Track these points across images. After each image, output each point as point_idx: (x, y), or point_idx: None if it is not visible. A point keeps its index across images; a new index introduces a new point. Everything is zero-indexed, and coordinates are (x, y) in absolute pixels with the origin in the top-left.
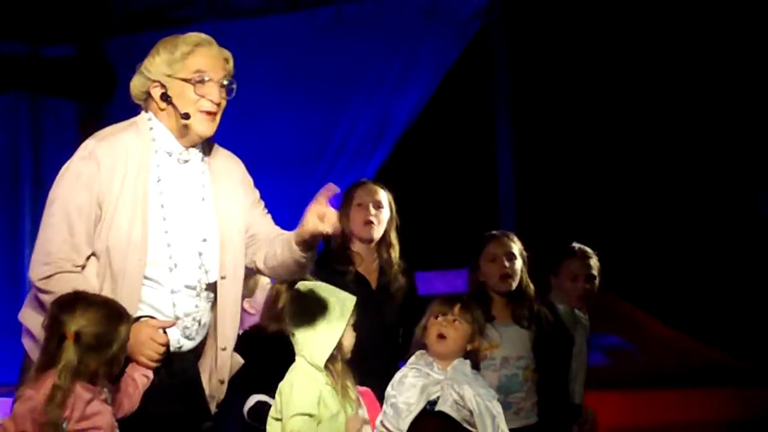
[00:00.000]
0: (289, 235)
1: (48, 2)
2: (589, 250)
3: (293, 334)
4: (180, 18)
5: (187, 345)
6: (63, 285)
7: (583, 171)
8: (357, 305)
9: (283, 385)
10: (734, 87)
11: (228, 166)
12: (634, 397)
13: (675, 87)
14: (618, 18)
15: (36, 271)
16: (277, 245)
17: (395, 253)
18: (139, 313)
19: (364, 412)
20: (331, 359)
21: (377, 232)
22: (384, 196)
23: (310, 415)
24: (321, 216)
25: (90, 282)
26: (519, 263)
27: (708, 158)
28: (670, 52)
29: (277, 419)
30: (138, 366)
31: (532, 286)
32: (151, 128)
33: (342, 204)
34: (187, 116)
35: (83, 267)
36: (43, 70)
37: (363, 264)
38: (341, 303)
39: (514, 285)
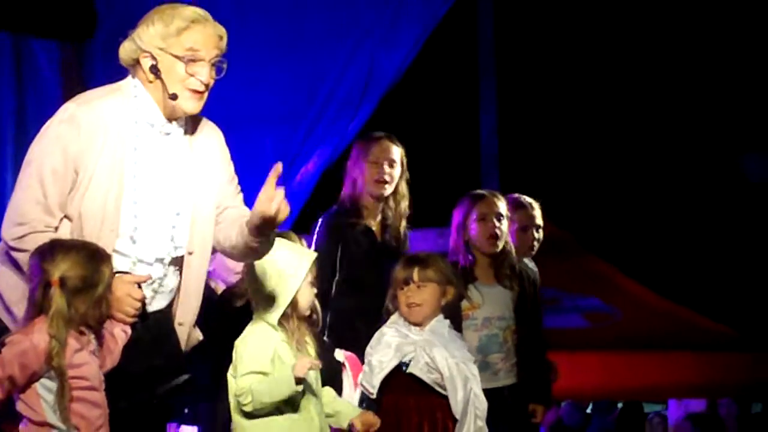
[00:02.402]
0: (245, 220)
1: None
2: (532, 200)
3: (251, 294)
4: None
5: (156, 305)
6: (35, 245)
7: (567, 128)
8: (315, 263)
9: (237, 343)
10: (717, 50)
11: (208, 141)
12: (612, 359)
13: (661, 48)
14: None
15: (9, 231)
16: (235, 229)
17: (405, 203)
18: None
19: (349, 378)
20: (285, 316)
21: (388, 190)
22: (397, 152)
23: (263, 373)
24: (270, 198)
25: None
26: (505, 224)
27: (695, 118)
28: (657, 14)
29: (234, 376)
30: (116, 322)
31: (512, 246)
32: (136, 96)
33: (356, 156)
34: (174, 97)
35: (56, 228)
36: (23, 8)
37: (369, 218)
38: (297, 260)
39: (500, 246)
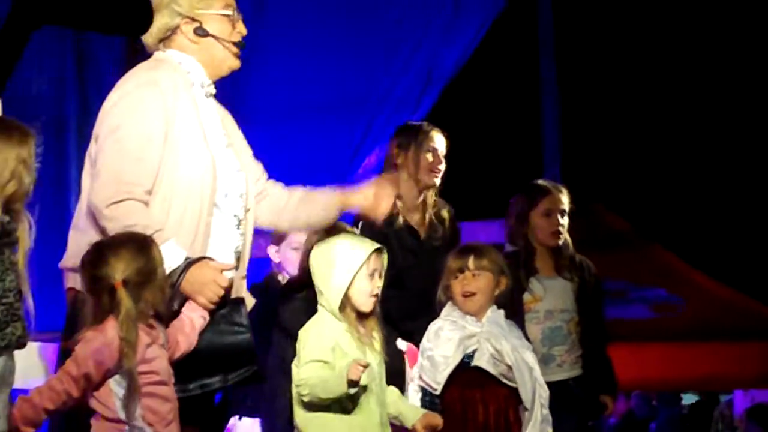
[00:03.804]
0: (329, 200)
1: None
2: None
3: (314, 282)
4: None
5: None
6: (128, 216)
7: (628, 120)
8: (382, 254)
9: (301, 333)
10: None
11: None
12: (678, 350)
13: (722, 37)
14: None
15: (104, 194)
16: (306, 209)
17: (435, 194)
18: (206, 241)
19: (408, 369)
20: (343, 307)
21: (438, 182)
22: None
23: (323, 362)
24: (379, 200)
25: (153, 218)
26: (567, 219)
27: (758, 106)
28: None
29: (297, 366)
30: (196, 306)
31: (569, 239)
32: (180, 62)
33: (407, 143)
34: (240, 45)
35: (150, 193)
36: (83, 5)
37: (408, 212)
38: (356, 251)
39: (562, 240)
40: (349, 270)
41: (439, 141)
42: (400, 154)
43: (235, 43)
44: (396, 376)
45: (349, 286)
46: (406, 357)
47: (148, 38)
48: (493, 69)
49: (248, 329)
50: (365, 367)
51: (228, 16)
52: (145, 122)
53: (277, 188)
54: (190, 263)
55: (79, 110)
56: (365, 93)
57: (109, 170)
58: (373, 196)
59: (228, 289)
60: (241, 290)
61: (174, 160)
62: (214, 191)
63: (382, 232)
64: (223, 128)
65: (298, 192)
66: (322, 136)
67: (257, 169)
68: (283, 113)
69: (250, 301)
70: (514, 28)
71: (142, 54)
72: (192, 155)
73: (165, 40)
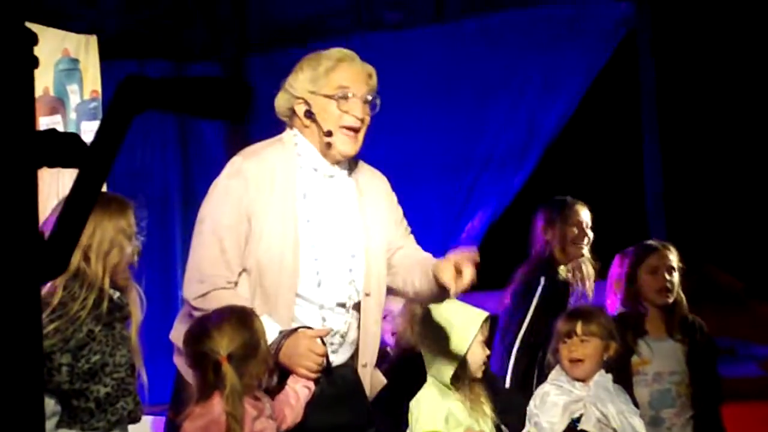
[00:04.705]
0: (428, 267)
1: (191, 20)
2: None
3: (423, 352)
4: (324, 31)
5: (333, 360)
6: (217, 304)
7: (734, 177)
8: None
9: (412, 404)
10: None
11: (374, 183)
12: None
13: None
14: None
15: (190, 290)
16: (416, 274)
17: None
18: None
19: None
20: (456, 376)
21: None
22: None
23: None
24: (452, 274)
25: (242, 299)
26: (677, 276)
27: None
28: None
29: None
30: (298, 378)
31: (684, 298)
32: (296, 144)
33: (553, 219)
34: (330, 134)
35: (236, 283)
36: (188, 89)
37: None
38: (468, 319)
39: (672, 299)
40: (465, 338)
41: (584, 214)
42: (547, 229)
43: (346, 128)
44: None
45: (466, 353)
46: None
47: (278, 113)
48: (595, 125)
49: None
50: None
51: (335, 97)
52: (225, 215)
53: (407, 253)
54: (284, 335)
55: (182, 183)
56: (465, 157)
57: (193, 264)
58: (449, 275)
59: (326, 356)
60: (366, 378)
61: (257, 247)
62: (296, 280)
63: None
64: (353, 209)
65: (419, 256)
66: (426, 199)
67: (396, 243)
68: (386, 176)
69: (382, 381)
70: (615, 85)
71: (244, 128)
72: (275, 242)
73: (288, 118)
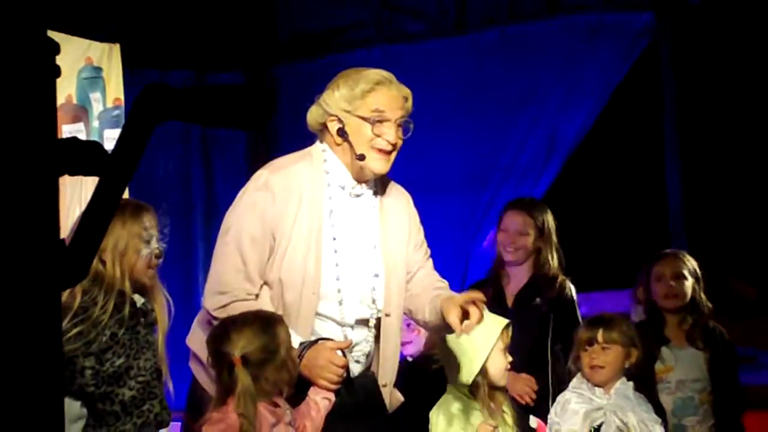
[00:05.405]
0: (438, 303)
1: (215, 29)
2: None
3: (442, 360)
4: (347, 42)
5: (355, 369)
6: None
7: (756, 188)
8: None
9: (431, 414)
10: None
11: (398, 204)
12: None
13: None
14: None
15: (211, 300)
16: (426, 307)
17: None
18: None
19: None
20: (477, 385)
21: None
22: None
23: None
24: (459, 320)
25: (264, 306)
26: (689, 283)
27: None
28: None
29: None
30: (319, 389)
31: (709, 305)
32: (325, 160)
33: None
34: (362, 157)
35: (257, 296)
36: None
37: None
38: (487, 327)
39: (679, 304)
40: (485, 346)
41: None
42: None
43: (378, 150)
44: None
45: (485, 361)
46: None
47: (309, 126)
48: (615, 136)
49: None
50: (495, 427)
51: (371, 120)
52: (249, 227)
53: (423, 282)
54: (305, 347)
55: (205, 191)
56: (487, 166)
57: (215, 275)
58: (455, 318)
59: (347, 368)
60: (386, 398)
61: (280, 262)
62: (318, 297)
63: None
64: (377, 228)
65: (433, 287)
66: (446, 210)
67: (414, 267)
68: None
69: (399, 399)
70: (636, 95)
71: (265, 138)
72: (298, 258)
73: (319, 132)
